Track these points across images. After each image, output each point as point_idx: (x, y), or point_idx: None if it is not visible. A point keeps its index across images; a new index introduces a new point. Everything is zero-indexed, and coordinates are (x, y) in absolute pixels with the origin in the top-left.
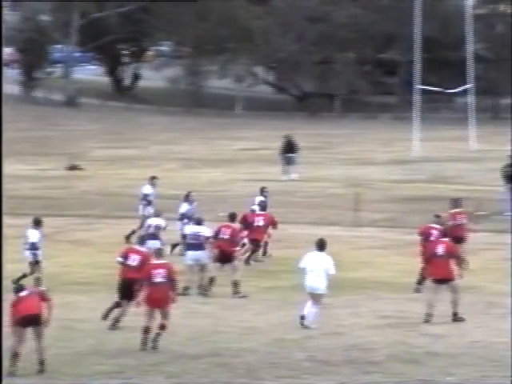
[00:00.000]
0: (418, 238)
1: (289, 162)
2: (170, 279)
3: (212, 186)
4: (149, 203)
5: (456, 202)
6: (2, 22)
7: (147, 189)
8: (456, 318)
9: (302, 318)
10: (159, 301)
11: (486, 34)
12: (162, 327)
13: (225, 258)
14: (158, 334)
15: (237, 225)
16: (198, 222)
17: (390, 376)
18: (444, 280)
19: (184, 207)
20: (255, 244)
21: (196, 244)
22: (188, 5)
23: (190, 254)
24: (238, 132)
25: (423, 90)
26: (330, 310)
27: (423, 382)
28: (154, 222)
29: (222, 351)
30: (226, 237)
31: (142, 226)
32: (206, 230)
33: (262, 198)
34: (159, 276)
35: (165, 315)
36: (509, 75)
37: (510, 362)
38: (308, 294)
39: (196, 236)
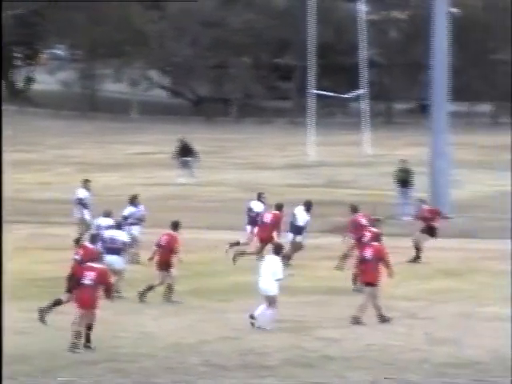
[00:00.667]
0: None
1: (185, 165)
2: (99, 283)
3: (108, 190)
4: (84, 206)
5: (355, 208)
6: (1, 21)
7: (82, 192)
8: (357, 321)
9: (252, 317)
10: (84, 302)
11: (379, 40)
12: (89, 327)
13: (163, 265)
14: (87, 334)
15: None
16: (118, 226)
17: (285, 380)
18: (369, 284)
19: (128, 210)
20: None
21: (112, 248)
22: (82, 8)
23: (106, 257)
24: (133, 136)
25: (318, 94)
26: (225, 314)
27: None
28: (103, 221)
29: (118, 356)
30: (163, 244)
31: (85, 229)
32: (123, 235)
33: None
34: (88, 278)
35: (89, 317)
36: (401, 80)
37: (511, 362)
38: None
39: (113, 240)
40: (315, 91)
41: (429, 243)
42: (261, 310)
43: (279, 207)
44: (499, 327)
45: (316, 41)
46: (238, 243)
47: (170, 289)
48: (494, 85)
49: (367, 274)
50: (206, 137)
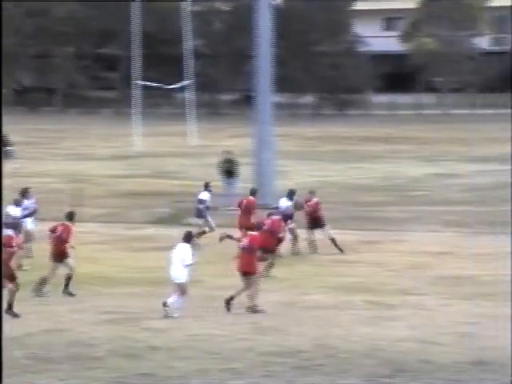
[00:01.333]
0: (141, 232)
1: (6, 156)
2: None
3: None
4: None
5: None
6: (1, 21)
7: None
8: (254, 309)
9: (164, 304)
10: None
11: (203, 31)
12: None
13: (57, 255)
14: None
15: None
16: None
17: (111, 371)
18: (245, 273)
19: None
20: None
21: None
22: None
23: None
24: None
25: (143, 85)
26: (50, 306)
27: (143, 376)
28: (11, 210)
29: None
30: (58, 234)
31: None
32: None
33: (207, 194)
34: None
35: None
36: (226, 71)
37: (510, 362)
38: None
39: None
40: (140, 82)
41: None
42: (172, 297)
43: (253, 193)
44: (321, 315)
45: (141, 31)
46: (204, 232)
47: (68, 279)
48: (316, 76)
49: (242, 262)
50: (30, 127)
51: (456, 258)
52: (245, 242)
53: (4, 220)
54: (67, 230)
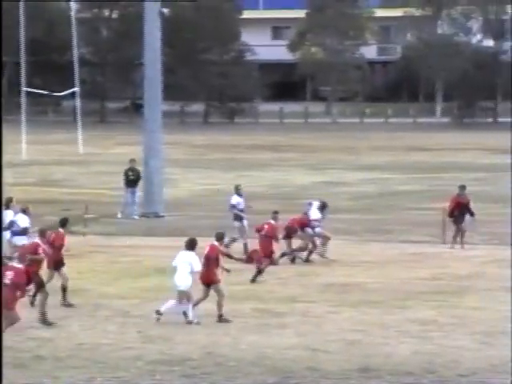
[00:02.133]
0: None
1: None
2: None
3: None
4: None
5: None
6: (1, 23)
7: None
8: (221, 319)
9: (158, 312)
10: (5, 302)
11: (91, 38)
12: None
13: (55, 264)
14: None
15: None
16: None
17: None
18: (206, 283)
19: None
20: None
21: None
22: None
23: None
24: None
25: (30, 92)
26: None
27: None
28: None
29: None
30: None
31: None
32: None
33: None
34: (7, 278)
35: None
36: (114, 79)
37: (511, 364)
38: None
39: None
40: (27, 89)
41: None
42: (169, 305)
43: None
44: (210, 324)
45: (27, 37)
46: (234, 240)
47: (64, 289)
48: (205, 85)
49: (204, 272)
50: None
51: (343, 265)
52: (207, 250)
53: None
54: (60, 237)
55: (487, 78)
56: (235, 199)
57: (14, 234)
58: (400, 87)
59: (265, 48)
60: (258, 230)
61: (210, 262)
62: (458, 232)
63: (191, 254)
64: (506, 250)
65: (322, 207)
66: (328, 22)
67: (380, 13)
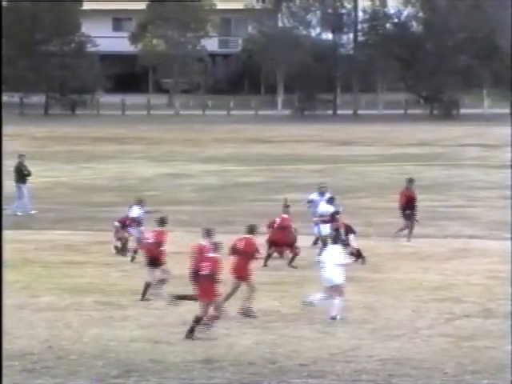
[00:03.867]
0: None
1: None
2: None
3: None
4: None
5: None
6: (1, 22)
7: None
8: (248, 313)
9: (334, 318)
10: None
11: None
12: None
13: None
14: None
15: None
16: None
17: None
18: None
19: None
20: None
21: None
22: None
23: None
24: None
25: None
26: None
27: None
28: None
29: None
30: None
31: None
32: None
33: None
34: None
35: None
36: None
37: (511, 364)
38: (325, 287)
39: None
40: None
41: None
42: (335, 303)
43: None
44: (52, 318)
45: None
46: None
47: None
48: (45, 76)
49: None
50: None
51: (187, 257)
52: (242, 244)
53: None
54: (162, 235)
55: (326, 71)
56: (314, 195)
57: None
58: (242, 80)
59: (106, 39)
60: (271, 226)
61: (245, 255)
62: (407, 226)
63: (336, 247)
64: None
65: (331, 200)
66: (169, 14)
67: (221, 5)
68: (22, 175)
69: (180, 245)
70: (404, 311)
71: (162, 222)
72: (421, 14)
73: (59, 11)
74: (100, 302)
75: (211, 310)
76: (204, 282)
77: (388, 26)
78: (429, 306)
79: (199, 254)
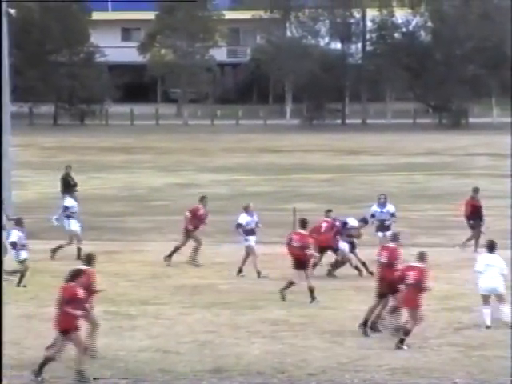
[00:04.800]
0: None
1: None
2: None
3: None
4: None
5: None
6: (2, 22)
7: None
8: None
9: (488, 327)
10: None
11: None
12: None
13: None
14: None
15: None
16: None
17: None
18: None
19: None
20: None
21: None
22: None
23: None
24: None
25: None
26: None
27: None
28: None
29: None
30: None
31: None
32: None
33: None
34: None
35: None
36: None
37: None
38: (483, 296)
39: None
40: None
41: None
42: (506, 311)
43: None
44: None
45: None
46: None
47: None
48: (54, 86)
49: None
50: None
51: (195, 267)
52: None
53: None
54: (306, 237)
55: (335, 80)
56: (69, 202)
57: None
58: (250, 89)
59: (114, 49)
60: (316, 230)
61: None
62: (474, 236)
63: (495, 256)
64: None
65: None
66: (178, 24)
67: (229, 15)
68: (68, 185)
69: (187, 254)
70: None
71: (304, 223)
72: (429, 24)
73: (68, 21)
74: (109, 312)
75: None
76: (409, 291)
77: (396, 35)
78: (438, 315)
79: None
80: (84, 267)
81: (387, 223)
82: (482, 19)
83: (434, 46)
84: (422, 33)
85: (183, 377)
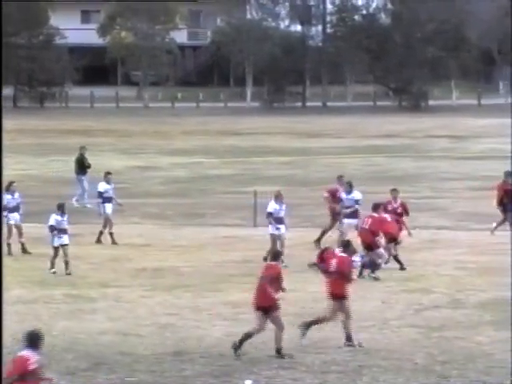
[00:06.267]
0: None
1: None
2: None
3: None
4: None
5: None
6: (1, 23)
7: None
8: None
9: None
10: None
11: None
12: None
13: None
14: None
15: None
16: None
17: None
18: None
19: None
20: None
21: None
22: None
23: None
24: None
25: None
26: None
27: None
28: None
29: None
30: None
31: None
32: None
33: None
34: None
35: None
36: None
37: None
38: None
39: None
40: None
41: None
42: None
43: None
44: (22, 310)
45: None
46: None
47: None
48: (13, 69)
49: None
50: None
51: (156, 249)
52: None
53: None
54: (376, 221)
55: (295, 63)
56: (102, 186)
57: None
58: (211, 72)
59: (74, 32)
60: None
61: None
62: (505, 220)
63: None
64: (315, 232)
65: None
66: (138, 6)
67: None
68: (82, 167)
69: (148, 237)
70: (373, 302)
71: (376, 207)
72: (389, 6)
73: (27, 4)
74: (69, 295)
75: None
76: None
77: (356, 17)
78: (398, 296)
79: None
80: None
81: (350, 210)
82: (441, 1)
83: (393, 29)
84: (383, 15)
85: (144, 359)
